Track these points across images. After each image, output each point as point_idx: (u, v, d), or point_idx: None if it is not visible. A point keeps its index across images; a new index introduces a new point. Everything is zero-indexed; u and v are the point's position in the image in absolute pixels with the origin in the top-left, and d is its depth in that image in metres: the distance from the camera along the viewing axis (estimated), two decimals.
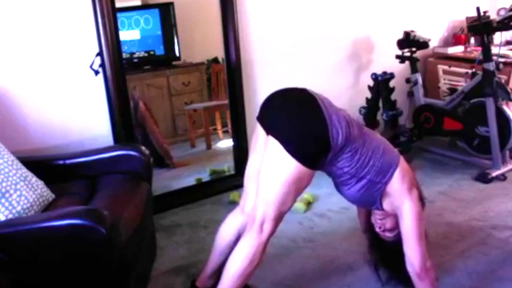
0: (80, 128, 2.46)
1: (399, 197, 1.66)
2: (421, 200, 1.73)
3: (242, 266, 1.60)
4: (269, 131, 1.56)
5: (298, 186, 1.56)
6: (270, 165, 1.56)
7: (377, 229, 1.83)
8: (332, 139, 1.52)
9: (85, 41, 2.37)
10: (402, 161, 1.69)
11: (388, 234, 1.81)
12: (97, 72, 2.41)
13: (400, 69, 3.43)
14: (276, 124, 1.57)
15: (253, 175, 1.71)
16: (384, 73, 3.26)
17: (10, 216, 1.66)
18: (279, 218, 1.61)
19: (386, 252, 1.86)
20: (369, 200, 1.71)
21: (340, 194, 1.78)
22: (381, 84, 3.26)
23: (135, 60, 3.25)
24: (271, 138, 1.54)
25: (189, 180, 2.99)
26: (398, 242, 1.73)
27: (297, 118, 1.54)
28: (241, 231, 1.75)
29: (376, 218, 1.81)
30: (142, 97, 3.24)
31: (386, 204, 1.71)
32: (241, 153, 3.01)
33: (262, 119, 1.64)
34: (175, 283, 2.09)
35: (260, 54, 2.99)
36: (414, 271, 1.67)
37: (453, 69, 3.54)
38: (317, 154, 1.54)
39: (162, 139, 3.26)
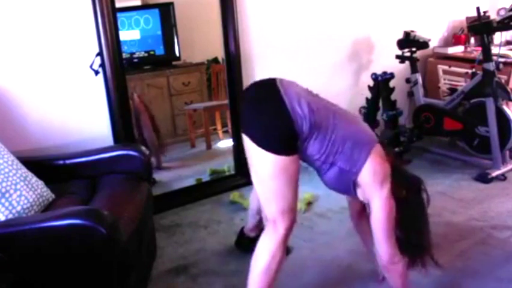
0: (80, 128, 2.46)
1: (369, 191, 1.66)
2: (400, 195, 1.71)
3: (264, 263, 1.62)
4: (242, 131, 1.64)
5: (287, 175, 1.57)
6: (252, 164, 1.63)
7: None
8: (297, 127, 1.56)
9: (85, 41, 2.37)
10: (376, 154, 1.66)
11: None
12: (97, 72, 2.41)
13: (400, 69, 3.43)
14: (244, 124, 1.64)
15: None
16: (384, 73, 3.26)
17: (10, 216, 1.66)
18: (287, 212, 1.61)
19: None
20: (344, 187, 1.71)
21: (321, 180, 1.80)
22: (381, 84, 3.26)
23: (135, 60, 3.26)
24: (245, 138, 1.61)
25: (189, 180, 2.99)
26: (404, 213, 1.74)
27: (261, 114, 1.60)
28: None
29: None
30: (142, 93, 3.26)
31: (360, 194, 1.71)
32: (241, 153, 3.01)
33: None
34: (175, 283, 2.09)
35: (260, 54, 2.99)
36: (382, 263, 1.72)
37: (453, 69, 3.54)
38: (286, 143, 1.57)
39: (155, 137, 3.25)
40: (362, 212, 1.99)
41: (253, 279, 1.65)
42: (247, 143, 1.60)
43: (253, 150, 1.59)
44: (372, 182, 1.65)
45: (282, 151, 1.54)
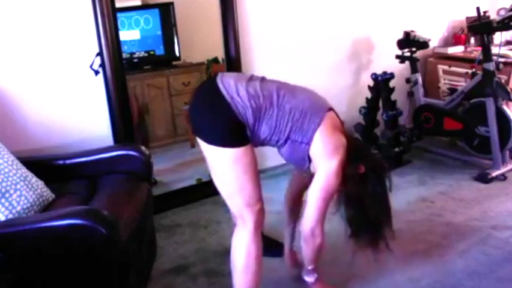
0: (80, 128, 2.46)
1: (318, 161, 1.65)
2: (352, 172, 1.68)
3: (242, 260, 1.64)
4: (195, 135, 1.66)
5: (241, 166, 1.58)
6: (209, 164, 1.64)
7: None
8: (241, 116, 1.57)
9: (85, 41, 2.37)
10: (327, 123, 1.64)
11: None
12: (97, 72, 2.41)
13: (400, 69, 3.43)
14: (193, 126, 1.66)
15: None
16: (384, 73, 3.26)
17: (10, 216, 1.66)
18: (251, 204, 1.62)
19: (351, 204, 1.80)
20: (300, 160, 1.71)
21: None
22: (381, 84, 3.26)
23: (135, 60, 3.25)
24: (199, 141, 1.63)
25: (189, 180, 2.98)
26: (356, 192, 1.72)
27: (204, 113, 1.62)
28: None
29: None
30: (141, 94, 3.24)
31: (312, 167, 1.71)
32: None
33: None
34: (175, 283, 2.09)
35: (260, 54, 2.99)
36: (303, 231, 1.71)
37: (453, 69, 3.54)
38: (233, 134, 1.58)
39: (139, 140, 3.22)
40: (299, 196, 1.99)
41: (237, 280, 1.67)
42: (201, 144, 1.62)
43: (206, 150, 1.61)
44: (322, 153, 1.63)
45: (230, 143, 1.56)
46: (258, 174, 1.64)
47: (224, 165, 1.59)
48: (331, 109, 1.70)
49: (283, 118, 1.61)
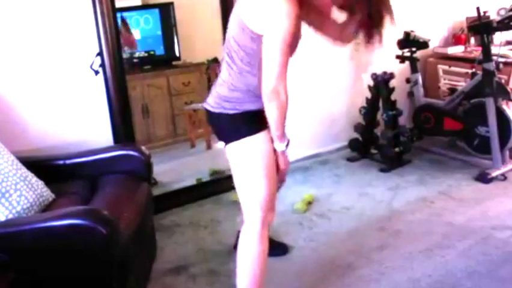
0: (80, 127, 2.46)
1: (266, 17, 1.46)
2: None
3: (247, 259, 1.64)
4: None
5: (259, 155, 1.58)
6: (232, 164, 1.66)
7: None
8: (235, 110, 1.59)
9: (85, 41, 2.37)
10: None
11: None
12: (97, 72, 2.41)
13: (400, 69, 3.43)
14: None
15: None
16: (384, 73, 3.26)
17: (10, 216, 1.66)
18: (262, 203, 1.61)
19: None
20: None
21: None
22: (381, 84, 3.26)
23: (135, 60, 3.26)
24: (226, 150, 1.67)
25: (189, 180, 2.99)
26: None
27: (217, 132, 1.70)
28: None
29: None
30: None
31: None
32: None
33: None
34: (175, 283, 2.09)
35: None
36: (265, 93, 1.48)
37: (453, 69, 3.54)
38: (245, 125, 1.60)
39: None
40: None
41: (240, 279, 1.67)
42: (227, 153, 1.65)
43: (228, 152, 1.64)
44: (256, 8, 1.47)
45: (245, 134, 1.57)
46: (274, 170, 1.62)
47: (242, 156, 1.61)
48: None
49: (244, 59, 1.57)
